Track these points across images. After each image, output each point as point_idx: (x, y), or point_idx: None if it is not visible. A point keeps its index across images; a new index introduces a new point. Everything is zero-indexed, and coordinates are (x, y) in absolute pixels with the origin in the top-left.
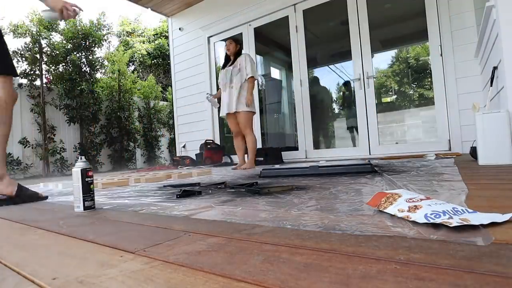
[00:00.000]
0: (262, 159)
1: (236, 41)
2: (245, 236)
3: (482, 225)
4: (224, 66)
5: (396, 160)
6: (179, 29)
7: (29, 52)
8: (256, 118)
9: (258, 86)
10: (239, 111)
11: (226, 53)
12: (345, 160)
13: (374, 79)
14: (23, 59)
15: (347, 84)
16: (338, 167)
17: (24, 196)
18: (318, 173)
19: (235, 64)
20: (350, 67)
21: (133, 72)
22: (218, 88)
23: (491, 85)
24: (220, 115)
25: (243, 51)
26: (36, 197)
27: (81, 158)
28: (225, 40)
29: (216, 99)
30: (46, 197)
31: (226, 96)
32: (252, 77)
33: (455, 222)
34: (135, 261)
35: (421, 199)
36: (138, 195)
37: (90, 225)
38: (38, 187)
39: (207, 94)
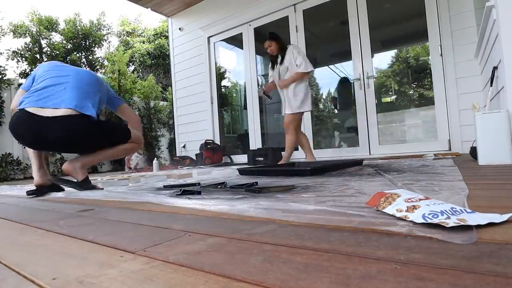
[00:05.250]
0: (262, 159)
1: (275, 38)
2: (245, 236)
3: (480, 225)
4: (273, 66)
5: (396, 160)
6: (179, 29)
7: (29, 52)
8: (256, 118)
9: (258, 86)
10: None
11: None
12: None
13: (374, 79)
14: (23, 59)
15: (344, 82)
16: (328, 162)
17: (86, 186)
18: (301, 169)
19: (283, 61)
20: (350, 67)
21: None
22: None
23: (491, 85)
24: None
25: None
26: (93, 187)
27: None
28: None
29: (266, 95)
30: (102, 189)
31: (282, 96)
32: (303, 72)
33: (452, 222)
34: (135, 261)
35: (420, 199)
36: (137, 195)
37: (90, 225)
38: None
39: (260, 88)
